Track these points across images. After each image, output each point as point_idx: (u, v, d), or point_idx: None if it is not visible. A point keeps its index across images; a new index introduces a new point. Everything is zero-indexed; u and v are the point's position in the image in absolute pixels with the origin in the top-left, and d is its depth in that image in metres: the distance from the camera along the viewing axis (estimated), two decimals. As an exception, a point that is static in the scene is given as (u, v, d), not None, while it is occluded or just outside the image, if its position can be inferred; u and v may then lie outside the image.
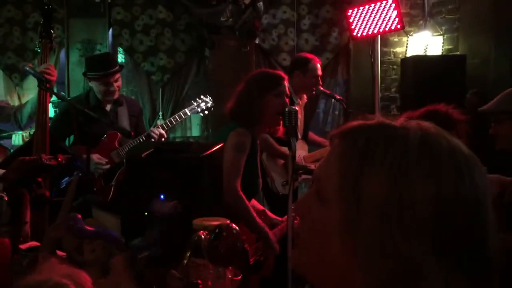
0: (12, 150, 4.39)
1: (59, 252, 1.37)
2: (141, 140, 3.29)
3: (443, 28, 5.13)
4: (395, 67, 5.38)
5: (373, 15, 4.81)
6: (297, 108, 3.59)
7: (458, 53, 5.02)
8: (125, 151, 3.29)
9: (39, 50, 2.78)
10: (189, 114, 3.58)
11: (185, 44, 5.24)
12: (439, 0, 5.18)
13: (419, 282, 0.63)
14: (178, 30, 5.22)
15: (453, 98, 4.51)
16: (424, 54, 4.97)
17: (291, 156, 2.31)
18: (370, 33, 4.89)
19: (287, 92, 2.56)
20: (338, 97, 4.13)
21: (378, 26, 4.80)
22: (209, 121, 5.23)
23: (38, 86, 2.49)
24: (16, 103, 5.04)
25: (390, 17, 4.71)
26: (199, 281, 1.21)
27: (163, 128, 3.37)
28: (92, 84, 3.29)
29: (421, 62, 4.78)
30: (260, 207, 2.62)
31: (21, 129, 3.18)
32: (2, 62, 5.07)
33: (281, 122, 2.45)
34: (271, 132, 2.68)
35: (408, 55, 5.13)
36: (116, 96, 3.32)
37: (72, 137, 3.37)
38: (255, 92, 2.49)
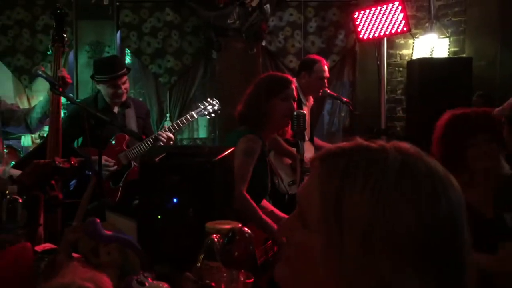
0: (21, 151, 4.46)
1: (74, 254, 1.41)
2: (149, 142, 3.33)
3: (449, 30, 5.14)
4: (401, 69, 5.39)
5: (379, 17, 4.84)
6: (305, 109, 3.66)
7: (464, 55, 5.02)
8: (132, 153, 3.32)
9: (50, 53, 2.82)
10: (196, 117, 3.60)
11: (193, 47, 5.28)
12: (445, 2, 5.18)
13: None
14: (186, 33, 5.26)
15: (459, 100, 4.55)
16: (430, 56, 4.98)
17: (300, 160, 2.34)
18: (376, 35, 4.91)
19: (295, 95, 2.58)
20: (345, 99, 4.16)
21: (384, 28, 4.82)
22: (216, 123, 5.26)
23: (51, 90, 2.53)
24: (26, 105, 5.09)
25: (396, 19, 4.73)
26: (213, 284, 1.24)
27: (170, 131, 3.39)
28: (100, 87, 3.33)
29: (427, 64, 4.79)
30: (270, 207, 2.64)
31: (31, 132, 3.21)
32: (12, 64, 5.13)
33: (289, 125, 2.47)
34: (279, 135, 2.70)
35: (414, 57, 5.14)
36: (124, 98, 3.35)
37: (80, 139, 3.42)
38: (263, 95, 2.51)
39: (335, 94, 4.12)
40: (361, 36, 5.05)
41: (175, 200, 1.52)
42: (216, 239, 1.32)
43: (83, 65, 5.12)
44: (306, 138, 3.62)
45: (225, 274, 1.26)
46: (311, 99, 3.85)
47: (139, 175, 1.62)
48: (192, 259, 1.33)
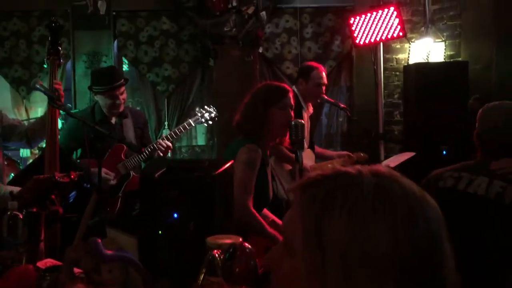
0: (20, 162, 4.46)
1: (76, 270, 1.41)
2: (148, 152, 3.33)
3: (445, 34, 5.16)
4: (397, 73, 5.42)
5: (375, 23, 4.86)
6: (305, 115, 3.67)
7: (460, 59, 5.05)
8: (131, 163, 3.33)
9: (46, 66, 2.82)
10: (193, 125, 3.61)
11: (189, 55, 5.29)
12: (440, 6, 5.21)
13: None
14: (182, 41, 5.28)
15: (456, 104, 4.59)
16: (426, 60, 5.01)
17: (298, 169, 2.35)
18: (372, 40, 4.94)
19: (292, 104, 2.58)
20: (342, 105, 4.18)
21: (380, 33, 4.85)
22: (214, 130, 5.27)
23: (49, 103, 2.53)
24: (24, 115, 5.10)
25: (392, 24, 4.76)
26: (215, 300, 1.25)
27: (168, 140, 3.40)
28: (98, 98, 3.33)
29: (424, 68, 4.81)
30: (271, 216, 2.64)
31: (31, 147, 3.21)
32: (9, 75, 5.14)
33: (288, 134, 2.48)
34: (278, 143, 2.71)
35: (410, 61, 5.17)
36: (121, 109, 3.36)
37: (79, 150, 3.42)
38: (260, 105, 2.51)
39: (333, 100, 4.13)
40: (357, 41, 5.07)
41: (175, 215, 1.53)
42: (217, 255, 1.33)
43: (80, 75, 5.13)
44: (306, 146, 3.63)
45: (226, 290, 1.26)
46: (311, 106, 3.86)
47: (140, 191, 1.63)
48: (193, 274, 1.34)
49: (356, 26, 5.03)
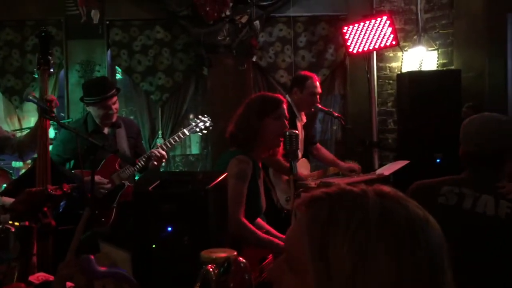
0: (12, 173, 4.42)
1: (68, 284, 1.40)
2: (142, 161, 3.32)
3: (437, 42, 5.20)
4: (391, 81, 5.44)
5: (368, 31, 4.89)
6: (298, 124, 3.67)
7: (452, 67, 5.08)
8: (125, 173, 3.31)
9: (37, 77, 2.80)
10: (187, 134, 3.60)
11: (183, 64, 5.29)
12: (433, 15, 5.25)
13: None
14: (176, 50, 5.28)
15: (449, 111, 4.62)
16: (419, 69, 5.04)
17: (293, 180, 2.34)
18: (365, 49, 4.96)
19: (286, 114, 2.58)
20: (336, 114, 4.19)
21: (373, 42, 4.88)
22: (209, 139, 5.26)
23: (42, 115, 2.51)
24: (16, 125, 5.07)
25: (385, 33, 4.79)
26: (209, 315, 1.23)
27: (162, 149, 3.39)
28: (90, 109, 3.31)
29: (417, 77, 4.84)
30: (266, 226, 2.63)
31: (23, 160, 3.18)
32: (2, 85, 5.12)
33: (282, 144, 2.47)
34: (271, 154, 2.70)
35: (403, 69, 5.20)
36: (114, 119, 3.34)
37: (72, 161, 3.40)
38: (255, 115, 2.51)
39: (327, 109, 4.14)
40: (350, 50, 5.10)
41: (169, 228, 1.51)
42: (211, 269, 1.32)
43: (73, 84, 5.11)
44: (300, 155, 3.63)
45: (221, 305, 1.25)
46: (304, 115, 3.87)
47: (133, 205, 1.62)
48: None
49: (350, 35, 5.06)
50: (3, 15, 5.07)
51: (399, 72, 5.24)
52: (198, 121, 3.66)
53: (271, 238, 2.34)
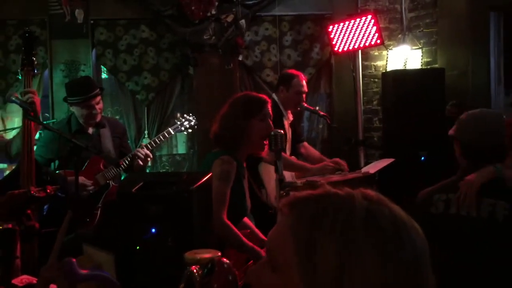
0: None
1: (52, 286, 1.39)
2: (127, 161, 3.30)
3: (422, 41, 5.25)
4: (376, 80, 5.48)
5: (353, 30, 4.91)
6: (285, 123, 3.68)
7: (436, 65, 5.13)
8: (110, 173, 3.29)
9: (20, 78, 2.77)
10: (173, 133, 3.59)
11: (169, 63, 5.27)
12: (417, 14, 5.30)
13: None
14: (162, 49, 5.25)
15: (433, 109, 4.66)
16: (404, 67, 5.08)
17: (278, 179, 2.34)
18: (351, 48, 4.99)
19: (271, 114, 2.58)
20: (322, 113, 4.21)
21: (358, 41, 4.90)
22: (195, 139, 5.25)
23: (24, 116, 2.49)
24: (0, 126, 5.01)
25: (370, 32, 4.81)
26: (193, 316, 1.24)
27: (147, 148, 3.37)
28: (74, 109, 3.29)
29: (401, 75, 4.88)
30: (251, 225, 2.62)
31: (10, 162, 3.14)
32: (-15, 85, 5.05)
33: (267, 145, 2.47)
34: (255, 154, 2.69)
35: (388, 68, 5.24)
36: (98, 118, 3.32)
37: (57, 162, 3.37)
38: (239, 116, 2.50)
39: (312, 108, 4.16)
40: (336, 48, 5.12)
41: (153, 230, 1.51)
42: (195, 270, 1.32)
43: (58, 84, 5.06)
44: (288, 153, 3.64)
45: (205, 306, 1.26)
46: (290, 114, 3.88)
47: (117, 206, 1.61)
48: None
49: (335, 33, 5.08)
50: (-15, 15, 5.01)
51: (384, 71, 5.28)
52: (183, 120, 3.65)
53: (253, 246, 2.33)
